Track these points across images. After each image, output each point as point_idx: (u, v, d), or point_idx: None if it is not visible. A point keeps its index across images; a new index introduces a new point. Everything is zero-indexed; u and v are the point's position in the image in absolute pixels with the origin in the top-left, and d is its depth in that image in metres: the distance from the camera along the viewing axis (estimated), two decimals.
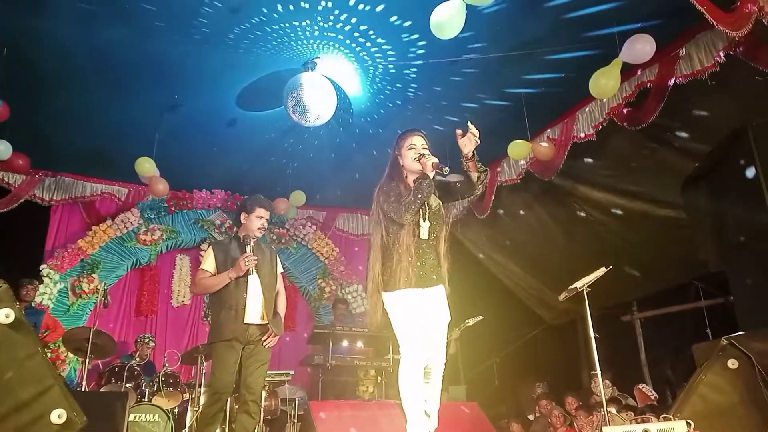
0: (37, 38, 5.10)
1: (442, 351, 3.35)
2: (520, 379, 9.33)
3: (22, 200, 7.24)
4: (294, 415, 6.04)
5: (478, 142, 3.28)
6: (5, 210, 7.08)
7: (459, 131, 3.27)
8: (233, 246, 4.15)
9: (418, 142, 3.41)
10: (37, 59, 5.36)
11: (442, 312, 3.37)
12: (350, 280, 8.81)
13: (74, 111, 6.21)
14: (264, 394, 5.71)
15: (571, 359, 9.99)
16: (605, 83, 5.01)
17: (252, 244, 4.10)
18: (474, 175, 3.38)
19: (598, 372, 3.97)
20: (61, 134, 6.62)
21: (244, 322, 3.94)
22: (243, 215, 4.25)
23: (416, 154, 3.33)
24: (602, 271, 4.07)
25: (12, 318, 2.03)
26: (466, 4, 4.32)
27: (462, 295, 8.44)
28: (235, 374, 4.01)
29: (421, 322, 3.25)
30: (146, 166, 6.30)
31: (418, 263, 3.28)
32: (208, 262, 4.11)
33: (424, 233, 3.30)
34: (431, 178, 3.25)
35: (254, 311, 4.01)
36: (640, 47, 4.81)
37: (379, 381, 6.76)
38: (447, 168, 3.21)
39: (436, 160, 3.26)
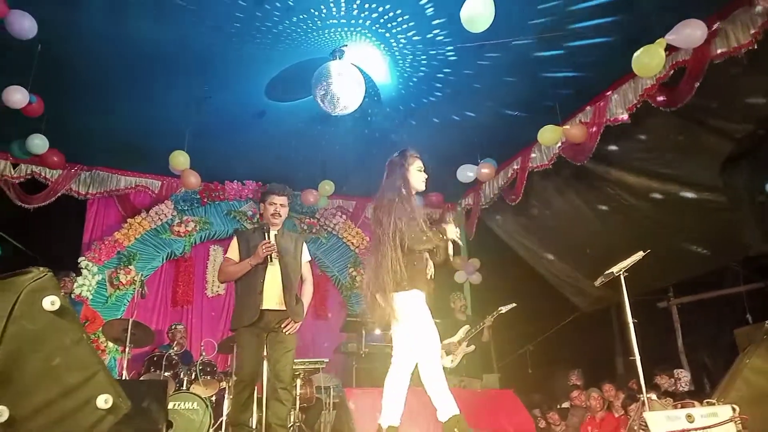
0: (71, 34, 5.18)
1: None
2: (554, 367, 9.26)
3: (59, 194, 7.41)
4: (329, 403, 6.09)
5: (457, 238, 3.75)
6: (43, 204, 7.26)
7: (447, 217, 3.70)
8: (256, 235, 4.23)
9: (422, 165, 3.76)
10: (71, 55, 5.46)
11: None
12: None
13: (107, 105, 6.32)
14: (299, 381, 5.77)
15: (605, 347, 9.87)
16: (648, 62, 4.84)
17: (273, 232, 4.19)
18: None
19: (637, 358, 3.90)
20: (95, 128, 6.74)
21: (261, 307, 4.00)
22: (260, 205, 4.38)
23: (424, 177, 3.72)
24: (639, 255, 4.01)
25: (58, 305, 2.07)
26: None
27: (494, 283, 8.48)
28: (261, 361, 4.08)
29: (426, 321, 3.53)
30: (180, 160, 6.39)
31: (426, 271, 3.65)
32: (232, 251, 4.22)
33: (430, 271, 3.73)
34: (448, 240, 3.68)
35: (272, 297, 4.06)
36: (690, 32, 4.63)
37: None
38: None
39: (457, 233, 3.73)
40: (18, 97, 5.22)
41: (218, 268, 8.04)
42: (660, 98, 5.44)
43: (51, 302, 2.06)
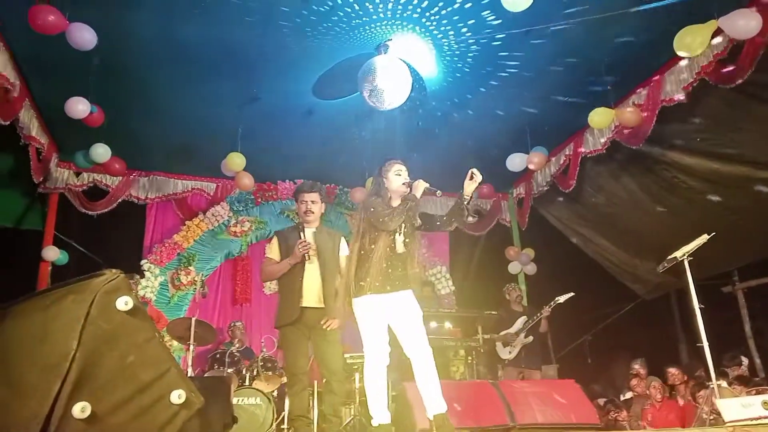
0: (124, 41, 5.34)
1: (421, 344, 3.57)
2: (613, 357, 9.07)
3: (120, 200, 7.68)
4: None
5: (479, 183, 3.68)
6: (105, 210, 7.54)
7: (469, 173, 3.65)
8: (293, 234, 4.26)
9: (403, 169, 3.80)
10: (126, 64, 5.64)
11: (408, 311, 3.63)
12: (433, 262, 8.80)
13: (162, 110, 6.50)
14: (357, 375, 5.84)
15: (667, 334, 9.61)
16: (691, 41, 4.69)
17: (311, 229, 4.25)
18: (465, 213, 3.73)
19: (705, 344, 3.79)
20: (151, 134, 6.95)
21: (301, 305, 4.05)
22: (296, 204, 4.48)
23: (403, 179, 3.75)
24: (704, 238, 3.88)
25: (131, 305, 2.14)
26: None
27: (550, 273, 8.35)
28: (308, 357, 4.15)
29: (378, 326, 3.61)
30: (237, 161, 6.52)
31: (388, 271, 3.64)
32: (273, 250, 4.29)
33: (399, 247, 3.71)
34: (418, 197, 3.66)
35: (311, 295, 4.10)
36: (744, 23, 4.45)
37: (469, 361, 6.74)
38: (439, 191, 3.64)
39: (427, 184, 3.69)
40: (80, 107, 5.45)
41: None
42: (717, 75, 5.23)
43: (124, 302, 2.14)
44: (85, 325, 2.05)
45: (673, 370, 6.38)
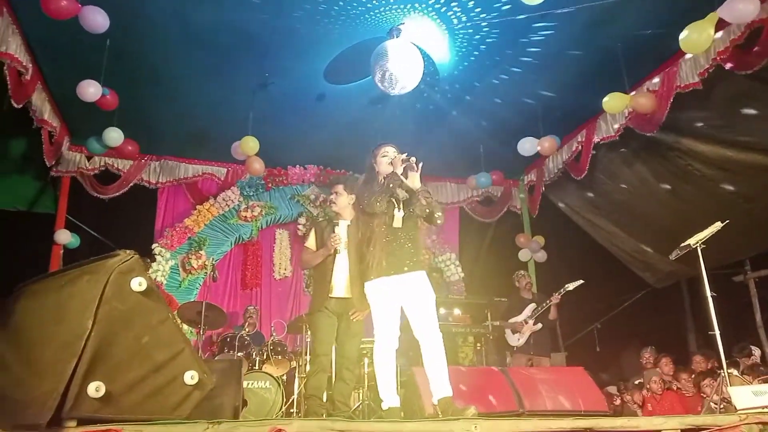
0: (137, 27, 5.34)
1: (431, 328, 3.58)
2: (622, 345, 9.06)
3: (131, 184, 7.71)
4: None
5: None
6: (117, 194, 7.58)
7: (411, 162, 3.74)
8: (328, 226, 4.41)
9: (390, 150, 3.85)
10: (138, 48, 5.64)
11: (420, 294, 3.64)
12: (442, 248, 8.79)
13: (174, 95, 6.50)
14: (366, 360, 5.87)
15: (677, 323, 9.59)
16: (696, 38, 4.63)
17: (346, 222, 4.35)
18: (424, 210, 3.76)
19: (717, 332, 3.77)
20: (163, 119, 6.97)
21: (331, 295, 4.20)
22: None
23: (389, 159, 3.79)
24: (717, 226, 3.86)
25: (145, 286, 2.16)
26: None
27: (560, 260, 8.33)
28: (332, 343, 4.29)
29: (388, 309, 3.64)
30: (250, 145, 6.51)
31: (391, 250, 3.67)
32: (311, 241, 4.46)
33: (397, 222, 3.72)
34: (399, 173, 3.72)
35: (340, 286, 4.23)
36: (742, 7, 4.38)
37: (478, 347, 6.77)
38: (413, 158, 3.72)
39: (403, 156, 3.74)
40: (92, 90, 5.44)
41: (284, 251, 8.43)
42: (734, 61, 5.16)
43: (138, 283, 2.16)
44: (100, 305, 2.07)
45: (698, 358, 6.38)
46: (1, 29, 4.97)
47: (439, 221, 3.84)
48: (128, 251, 2.22)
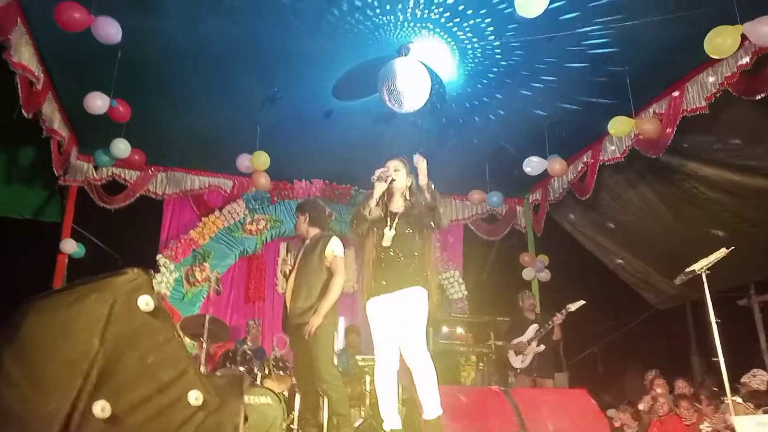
0: (147, 39, 5.39)
1: (411, 347, 3.50)
2: (625, 366, 9.01)
3: (138, 195, 7.74)
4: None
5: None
6: (123, 205, 7.60)
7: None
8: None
9: (379, 171, 3.73)
10: (149, 59, 5.68)
11: (405, 311, 3.55)
12: (446, 265, 8.78)
13: (182, 107, 6.54)
14: (367, 378, 5.85)
15: (680, 345, 9.53)
16: (722, 42, 4.58)
17: (295, 246, 4.74)
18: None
19: (721, 359, 3.75)
20: (171, 130, 6.99)
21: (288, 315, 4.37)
22: None
23: (376, 175, 3.70)
24: (723, 252, 3.85)
25: (152, 305, 2.16)
26: None
27: (564, 280, 8.31)
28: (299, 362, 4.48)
29: (386, 328, 3.60)
30: (262, 160, 6.56)
31: (381, 270, 3.64)
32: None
33: (386, 241, 3.64)
34: (375, 187, 3.68)
35: (291, 305, 4.37)
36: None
37: (480, 367, 6.73)
38: (386, 171, 3.68)
39: (381, 170, 3.69)
40: (99, 102, 5.48)
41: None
42: (741, 87, 5.18)
43: (146, 302, 2.16)
44: (107, 324, 2.07)
45: (680, 383, 6.33)
46: (15, 39, 5.03)
47: (444, 220, 3.75)
48: (136, 270, 2.22)
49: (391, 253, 3.65)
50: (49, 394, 2.00)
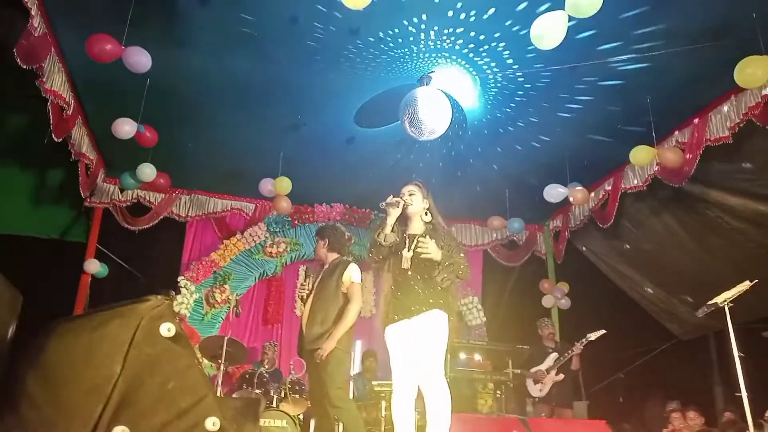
0: (177, 69, 5.55)
1: (431, 375, 3.45)
2: (646, 397, 8.83)
3: (162, 217, 7.87)
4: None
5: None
6: (147, 226, 7.73)
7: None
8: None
9: (401, 194, 3.78)
10: (177, 87, 5.83)
11: (422, 336, 3.51)
12: (465, 291, 8.74)
13: (208, 133, 6.69)
14: (383, 404, 5.83)
15: (702, 376, 9.32)
16: (752, 72, 4.53)
17: (314, 270, 4.78)
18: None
19: (744, 395, 3.68)
20: (196, 155, 7.14)
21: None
22: None
23: (385, 201, 3.73)
24: (746, 285, 3.81)
25: (174, 332, 2.20)
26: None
27: (584, 308, 8.22)
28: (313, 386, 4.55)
29: (405, 355, 3.57)
30: (284, 185, 6.67)
31: (399, 295, 3.63)
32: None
33: (405, 263, 3.62)
34: (388, 213, 3.69)
35: (307, 331, 4.45)
36: None
37: (498, 395, 6.66)
38: (392, 198, 3.71)
39: (390, 197, 3.72)
40: (127, 128, 5.61)
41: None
42: (765, 117, 5.15)
43: (168, 329, 2.20)
44: (130, 349, 2.11)
45: (692, 414, 6.20)
46: (48, 67, 5.19)
47: (465, 272, 3.69)
48: (160, 297, 2.27)
49: (410, 274, 3.62)
50: (71, 418, 2.04)
